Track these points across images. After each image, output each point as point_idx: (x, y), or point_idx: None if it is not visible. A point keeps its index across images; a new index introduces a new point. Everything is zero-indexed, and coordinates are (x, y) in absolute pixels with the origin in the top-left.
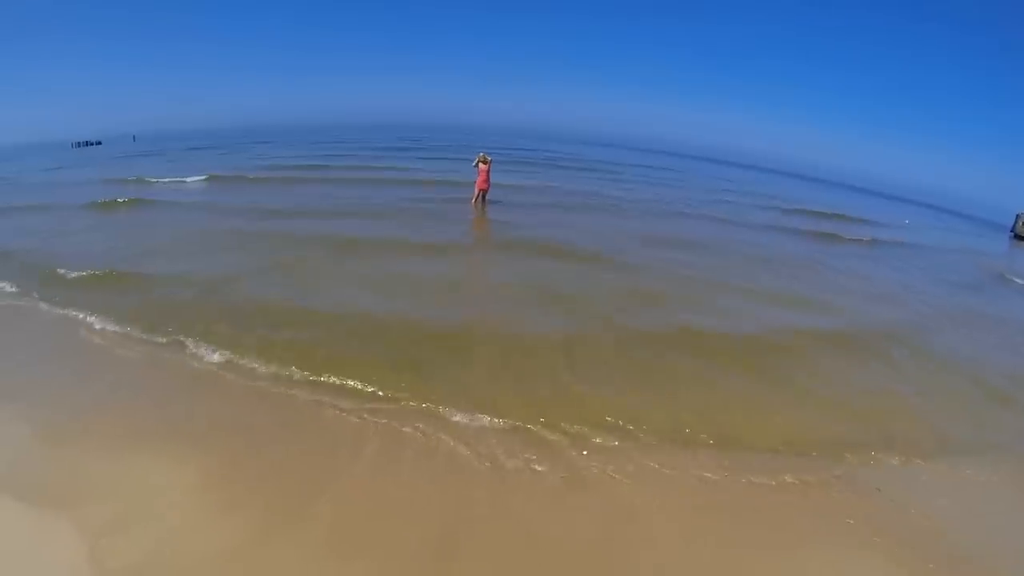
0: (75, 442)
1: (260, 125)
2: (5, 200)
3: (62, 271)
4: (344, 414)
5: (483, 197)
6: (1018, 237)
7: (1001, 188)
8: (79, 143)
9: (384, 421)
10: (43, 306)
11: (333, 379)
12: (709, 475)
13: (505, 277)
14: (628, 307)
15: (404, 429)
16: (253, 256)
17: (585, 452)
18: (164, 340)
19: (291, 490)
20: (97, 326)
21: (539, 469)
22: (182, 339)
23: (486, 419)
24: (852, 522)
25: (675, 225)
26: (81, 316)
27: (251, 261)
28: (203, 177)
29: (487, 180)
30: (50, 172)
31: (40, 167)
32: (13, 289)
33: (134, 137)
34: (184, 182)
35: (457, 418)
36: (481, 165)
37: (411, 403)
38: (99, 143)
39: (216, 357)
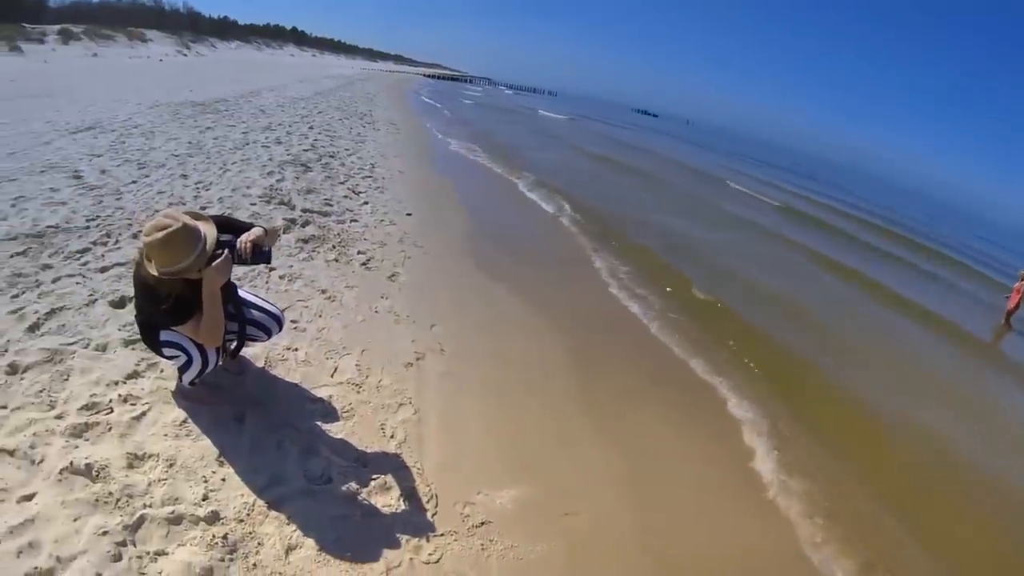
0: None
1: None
2: None
3: None
4: None
5: (1007, 318)
6: None
7: None
8: (639, 111)
9: None
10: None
11: None
12: None
13: None
14: None
15: None
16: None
17: None
18: None
19: None
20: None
21: None
22: None
23: None
24: None
25: None
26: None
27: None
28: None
29: (1016, 300)
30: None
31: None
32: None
33: (688, 121)
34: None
35: None
36: (1018, 283)
37: None
38: (655, 116)
39: None
